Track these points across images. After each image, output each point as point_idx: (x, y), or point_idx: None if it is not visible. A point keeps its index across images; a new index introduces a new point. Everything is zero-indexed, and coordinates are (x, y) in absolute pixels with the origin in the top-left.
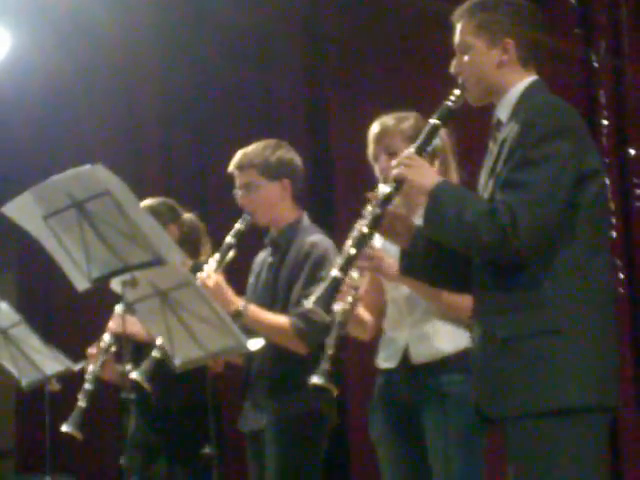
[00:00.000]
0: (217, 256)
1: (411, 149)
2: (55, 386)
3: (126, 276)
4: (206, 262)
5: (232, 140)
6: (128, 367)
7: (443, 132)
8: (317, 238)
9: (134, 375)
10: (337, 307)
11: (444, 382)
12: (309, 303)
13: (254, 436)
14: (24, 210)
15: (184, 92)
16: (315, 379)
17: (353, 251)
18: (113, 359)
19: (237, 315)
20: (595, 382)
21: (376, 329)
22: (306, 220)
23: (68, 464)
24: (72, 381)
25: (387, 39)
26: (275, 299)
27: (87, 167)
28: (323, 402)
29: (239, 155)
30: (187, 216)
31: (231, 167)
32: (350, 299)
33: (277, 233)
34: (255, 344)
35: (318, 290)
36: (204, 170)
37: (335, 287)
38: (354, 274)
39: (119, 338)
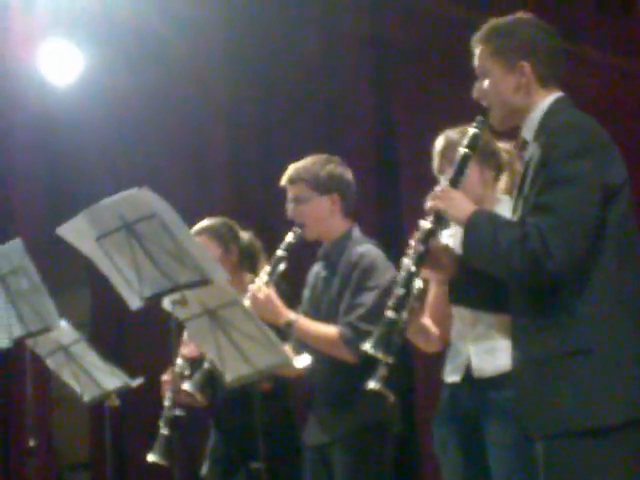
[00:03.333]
0: (268, 269)
1: (444, 182)
2: (115, 401)
3: (176, 295)
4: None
5: (299, 156)
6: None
7: (511, 146)
8: (365, 248)
9: (186, 386)
10: (393, 316)
11: (506, 397)
12: (368, 348)
13: (317, 450)
14: (78, 231)
15: (251, 111)
16: (372, 384)
17: (402, 291)
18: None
19: (287, 327)
20: (628, 399)
21: (443, 341)
22: (357, 232)
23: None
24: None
25: (454, 52)
26: (327, 310)
27: (135, 190)
28: (385, 412)
29: (290, 169)
30: (245, 234)
31: (283, 181)
32: (408, 307)
33: (328, 246)
34: (302, 361)
35: (375, 333)
36: (271, 186)
37: (390, 328)
38: (417, 284)
39: (192, 362)
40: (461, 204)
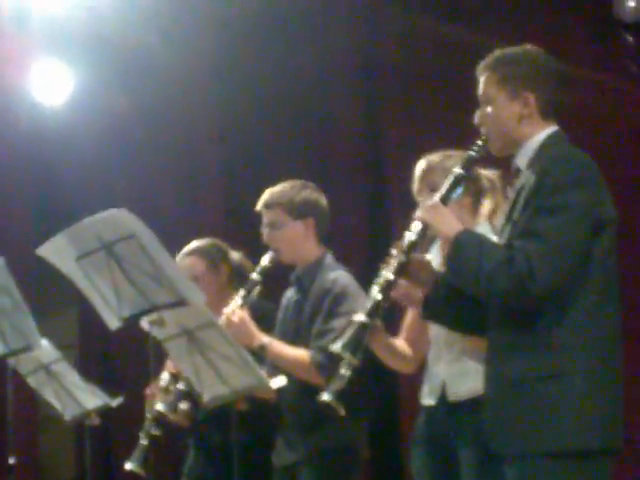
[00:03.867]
0: (242, 292)
1: (436, 197)
2: (95, 420)
3: (154, 316)
4: (255, 299)
5: (292, 176)
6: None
7: (494, 174)
8: (338, 274)
9: (159, 407)
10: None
11: (480, 420)
12: (337, 348)
13: (285, 471)
14: (58, 251)
15: (244, 129)
16: (325, 397)
17: (379, 297)
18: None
19: (260, 350)
20: (599, 426)
21: (417, 363)
22: (329, 258)
23: None
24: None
25: (446, 72)
26: (299, 334)
27: (113, 211)
28: (353, 436)
29: (266, 194)
30: (235, 255)
31: (259, 206)
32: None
33: (301, 271)
34: (277, 382)
35: (345, 335)
36: None
37: (362, 332)
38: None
39: (177, 377)
40: (450, 221)
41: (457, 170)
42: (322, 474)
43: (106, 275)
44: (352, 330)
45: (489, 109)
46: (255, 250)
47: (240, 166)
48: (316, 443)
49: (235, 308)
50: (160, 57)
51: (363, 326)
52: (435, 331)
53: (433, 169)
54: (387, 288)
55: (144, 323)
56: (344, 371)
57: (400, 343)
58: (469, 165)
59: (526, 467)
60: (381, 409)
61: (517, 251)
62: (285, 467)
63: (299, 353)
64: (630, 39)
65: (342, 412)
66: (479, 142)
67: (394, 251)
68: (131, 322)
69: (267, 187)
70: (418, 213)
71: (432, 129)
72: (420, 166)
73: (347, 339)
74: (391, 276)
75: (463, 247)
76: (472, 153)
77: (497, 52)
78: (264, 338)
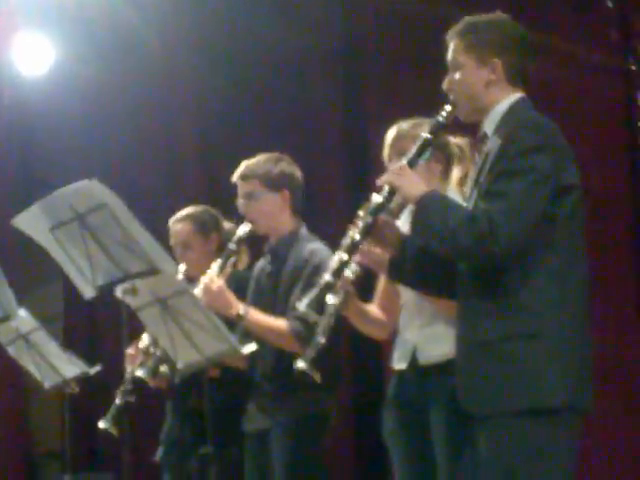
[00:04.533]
0: (219, 261)
1: (403, 161)
2: (74, 389)
3: (127, 284)
4: (244, 270)
5: (270, 149)
6: (164, 368)
7: (463, 141)
8: (316, 246)
9: (139, 372)
10: (330, 300)
11: (451, 384)
12: (302, 306)
13: (257, 436)
14: (33, 222)
15: (220, 102)
16: (300, 364)
17: (345, 256)
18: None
19: (238, 318)
20: (569, 385)
21: (393, 329)
22: (304, 230)
23: (110, 462)
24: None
25: (426, 48)
26: (275, 304)
27: (85, 182)
28: (324, 403)
29: (242, 166)
30: (227, 225)
31: (235, 177)
32: (343, 293)
33: (276, 242)
34: (248, 348)
35: (311, 294)
36: None
37: (327, 291)
38: (353, 268)
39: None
40: (415, 184)
41: (424, 135)
42: (293, 440)
43: (80, 245)
44: (317, 289)
45: (457, 75)
46: (232, 221)
47: (218, 140)
48: (289, 410)
49: (213, 277)
50: (139, 31)
51: (327, 285)
52: (406, 297)
53: (403, 136)
54: (353, 248)
55: (118, 292)
56: (319, 338)
57: (373, 309)
58: (437, 130)
59: (496, 426)
60: (366, 377)
61: (479, 210)
62: (257, 432)
63: (277, 322)
64: (610, 5)
65: (318, 379)
66: (447, 107)
67: (361, 213)
68: (105, 291)
69: (244, 158)
70: (385, 176)
71: (412, 105)
72: (390, 133)
73: (311, 298)
74: (357, 236)
75: (428, 207)
76: (440, 118)
77: (465, 19)
78: (241, 307)
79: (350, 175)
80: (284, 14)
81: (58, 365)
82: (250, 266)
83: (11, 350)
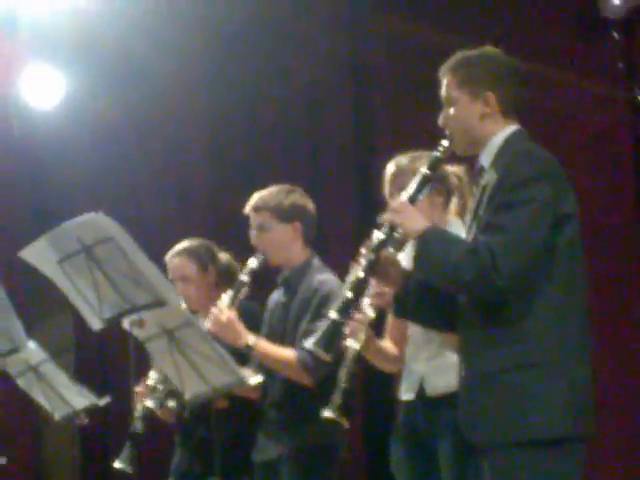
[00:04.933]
0: (230, 293)
1: (403, 197)
2: (84, 420)
3: (134, 316)
4: (244, 300)
5: (280, 179)
6: (172, 403)
7: (462, 171)
8: (325, 277)
9: (148, 404)
10: (350, 343)
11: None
12: (309, 344)
13: (266, 466)
14: (40, 255)
15: (232, 133)
16: (327, 413)
17: (350, 295)
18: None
19: (247, 349)
20: (570, 414)
21: (402, 361)
22: (316, 261)
23: None
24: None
25: (433, 75)
26: (286, 335)
27: (92, 214)
28: (335, 434)
29: (254, 198)
30: (223, 256)
31: (247, 209)
32: (363, 336)
33: (288, 273)
34: (255, 380)
35: (317, 332)
36: None
37: (334, 329)
38: (369, 311)
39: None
40: (415, 220)
41: (423, 170)
42: (303, 470)
43: (87, 277)
44: (324, 327)
45: (452, 110)
46: (242, 254)
47: (228, 170)
48: (299, 440)
49: (223, 308)
50: (149, 63)
51: (334, 323)
52: (413, 328)
53: (402, 172)
54: (357, 286)
55: (125, 324)
56: (343, 384)
57: (387, 344)
58: (435, 165)
59: (499, 457)
60: (377, 407)
61: (480, 244)
62: (266, 462)
63: (286, 353)
64: (616, 36)
65: (346, 425)
66: (444, 143)
67: (364, 250)
68: (112, 323)
69: (255, 191)
70: (385, 214)
71: (419, 131)
72: (390, 169)
73: (319, 336)
74: (361, 274)
75: (429, 242)
76: (437, 154)
77: (458, 54)
78: (251, 338)
79: (361, 204)
80: (294, 45)
81: (68, 396)
82: (249, 297)
83: (21, 382)
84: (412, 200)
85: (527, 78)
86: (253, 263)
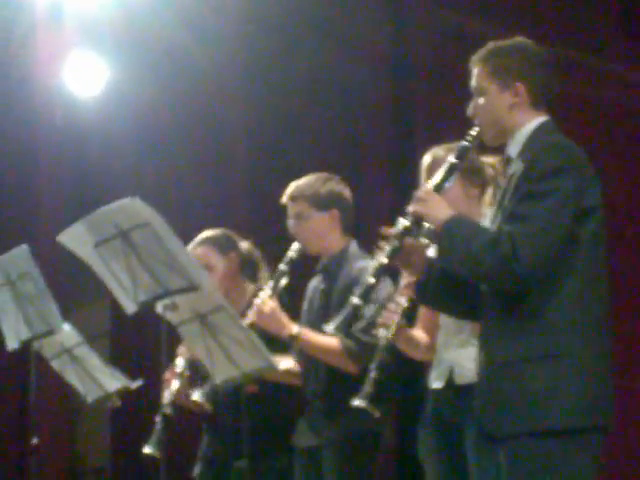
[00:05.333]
0: (271, 283)
1: (429, 185)
2: (117, 402)
3: (167, 301)
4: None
5: (317, 169)
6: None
7: (498, 162)
8: (364, 264)
9: (196, 396)
10: (382, 333)
11: None
12: (330, 329)
13: (307, 453)
14: (77, 239)
15: (270, 123)
16: (357, 402)
17: (372, 280)
18: (187, 383)
19: (291, 339)
20: (588, 405)
21: (434, 350)
22: (354, 247)
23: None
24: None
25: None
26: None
27: (128, 199)
28: (376, 420)
29: (291, 187)
30: (244, 244)
31: (284, 198)
32: (394, 324)
33: (327, 260)
34: (285, 364)
35: (338, 317)
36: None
37: (354, 314)
38: (402, 300)
39: (192, 363)
40: (440, 208)
41: (451, 159)
42: (345, 458)
43: (122, 261)
44: (345, 312)
45: (481, 100)
46: (282, 241)
47: (267, 160)
48: (340, 427)
49: (265, 298)
50: (192, 53)
51: (355, 308)
52: (444, 318)
53: (439, 163)
54: (381, 272)
55: (159, 308)
56: (373, 374)
57: (419, 333)
58: (463, 154)
59: (516, 448)
60: (409, 395)
61: (503, 233)
62: (307, 450)
63: (330, 341)
64: None
65: (377, 414)
66: (472, 132)
67: (388, 236)
68: (147, 307)
69: (293, 178)
70: (411, 202)
71: (457, 123)
72: (426, 160)
73: (339, 321)
74: (384, 260)
75: (452, 231)
76: (465, 143)
77: (489, 45)
78: (295, 327)
79: (398, 194)
80: (334, 37)
81: (101, 379)
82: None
83: (55, 364)
84: (438, 188)
85: (557, 69)
86: (292, 252)
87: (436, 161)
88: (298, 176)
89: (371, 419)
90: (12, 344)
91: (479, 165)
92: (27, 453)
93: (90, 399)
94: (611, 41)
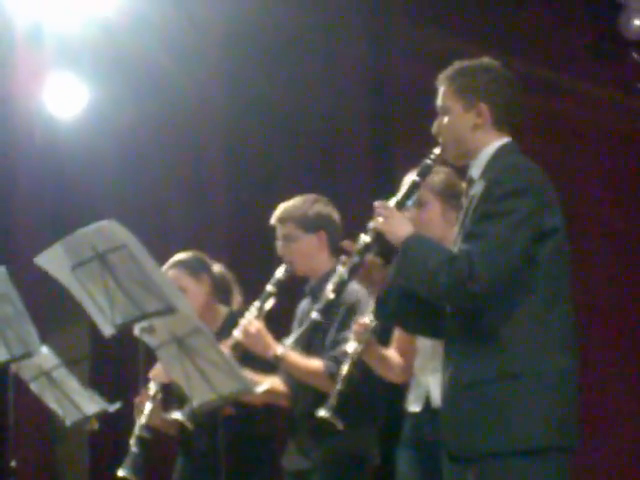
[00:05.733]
0: (257, 304)
1: (391, 203)
2: (95, 425)
3: (145, 323)
4: (240, 310)
5: (300, 191)
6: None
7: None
8: (351, 287)
9: (177, 415)
10: (351, 347)
11: None
12: (288, 343)
13: (297, 475)
14: (54, 261)
15: (251, 141)
16: (322, 412)
17: (332, 295)
18: (159, 406)
19: (276, 360)
20: (552, 424)
21: (409, 372)
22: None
23: None
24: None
25: None
26: (313, 345)
27: (105, 222)
28: (365, 443)
29: (280, 209)
30: (217, 267)
31: (273, 220)
32: (364, 340)
33: (315, 282)
34: (261, 387)
35: (297, 331)
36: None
37: (313, 329)
38: (368, 320)
39: (164, 386)
40: (400, 226)
41: (413, 177)
42: None
43: (99, 284)
44: (303, 328)
45: (445, 119)
46: (265, 263)
47: (248, 181)
48: (329, 450)
49: (251, 319)
50: (171, 73)
51: (314, 323)
52: (422, 341)
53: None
54: (341, 287)
55: (136, 330)
56: (338, 386)
57: (392, 354)
58: (425, 172)
59: (483, 468)
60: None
61: (460, 252)
62: (296, 472)
63: (313, 363)
64: (636, 56)
65: (340, 426)
66: (435, 151)
67: (350, 253)
68: (124, 329)
69: (275, 202)
70: (372, 219)
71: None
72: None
73: (298, 335)
74: (345, 276)
75: (410, 249)
76: (428, 161)
77: (456, 64)
78: (279, 349)
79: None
80: (313, 52)
81: (79, 402)
82: (243, 306)
83: (34, 386)
84: (399, 205)
85: (521, 90)
86: (279, 273)
87: None
88: (279, 193)
89: (360, 441)
90: None
91: (460, 189)
92: (6, 475)
93: (69, 422)
94: (586, 63)
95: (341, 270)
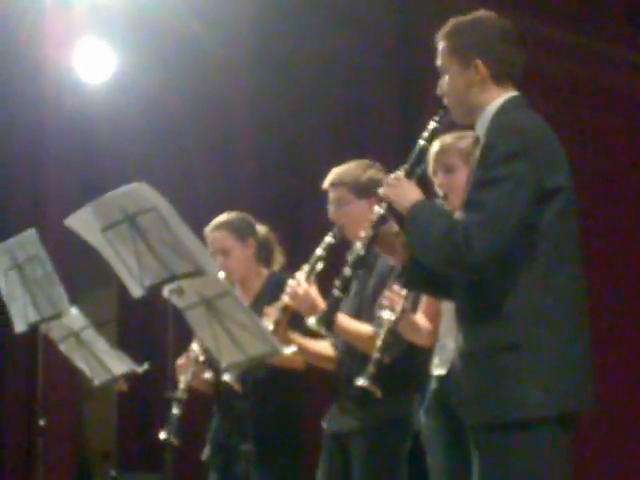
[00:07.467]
0: (306, 267)
1: (400, 171)
2: (123, 386)
3: (173, 285)
4: (285, 271)
5: (324, 160)
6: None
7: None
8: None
9: (226, 377)
10: (386, 315)
11: None
12: (311, 322)
13: (337, 437)
14: (84, 223)
15: (279, 109)
16: (360, 382)
17: (349, 272)
18: (202, 369)
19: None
20: (553, 395)
21: (436, 336)
22: None
23: (160, 464)
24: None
25: None
26: (362, 309)
27: (134, 184)
28: (407, 409)
29: (333, 173)
30: (261, 228)
31: (325, 184)
32: (399, 308)
33: None
34: (289, 349)
35: (321, 310)
36: (296, 185)
37: (335, 306)
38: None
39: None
40: (408, 194)
41: (420, 142)
42: (375, 445)
43: (129, 246)
44: (326, 306)
45: (446, 79)
46: (286, 229)
47: (275, 147)
48: (371, 414)
49: (300, 281)
50: (200, 39)
51: (335, 299)
52: (446, 304)
53: (446, 150)
54: (357, 263)
55: (165, 292)
56: (376, 354)
57: (421, 319)
58: (432, 136)
59: (485, 437)
60: None
61: (458, 222)
62: (337, 434)
63: (364, 328)
64: None
65: (378, 394)
66: (440, 111)
67: (366, 227)
68: (153, 290)
69: (301, 168)
70: (383, 188)
71: None
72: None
73: (321, 313)
74: (362, 251)
75: (415, 218)
76: (434, 124)
77: (451, 21)
78: None
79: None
80: (341, 19)
81: (107, 362)
82: (285, 267)
83: (63, 347)
84: (409, 173)
85: (521, 40)
86: (330, 238)
87: (444, 148)
88: (307, 162)
89: (402, 407)
90: (20, 327)
91: None
92: (35, 435)
93: (97, 382)
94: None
95: (357, 245)
